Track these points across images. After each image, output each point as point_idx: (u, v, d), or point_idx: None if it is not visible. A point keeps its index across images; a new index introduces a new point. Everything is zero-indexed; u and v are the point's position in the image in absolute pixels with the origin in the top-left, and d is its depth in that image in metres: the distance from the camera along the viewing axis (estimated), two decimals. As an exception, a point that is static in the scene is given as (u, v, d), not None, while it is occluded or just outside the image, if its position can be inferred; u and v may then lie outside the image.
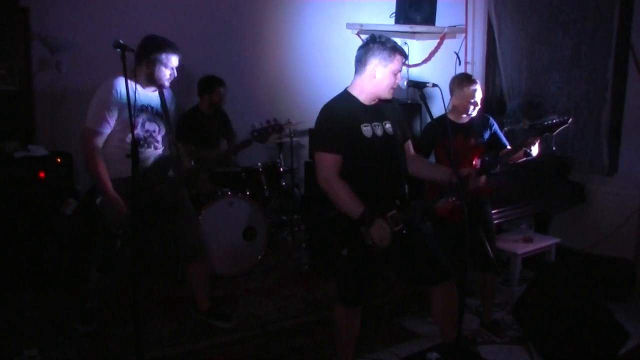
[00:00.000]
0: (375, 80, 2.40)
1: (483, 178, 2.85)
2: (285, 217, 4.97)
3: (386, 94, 2.43)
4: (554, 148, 4.32)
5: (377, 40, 2.40)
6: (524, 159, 3.15)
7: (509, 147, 3.24)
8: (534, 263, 3.92)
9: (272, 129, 3.13)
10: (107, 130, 2.77)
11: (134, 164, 2.37)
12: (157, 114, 2.93)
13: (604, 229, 4.08)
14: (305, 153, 5.32)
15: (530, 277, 3.68)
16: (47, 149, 3.86)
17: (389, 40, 2.41)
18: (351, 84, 2.50)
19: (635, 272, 3.80)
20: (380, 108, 2.50)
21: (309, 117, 5.15)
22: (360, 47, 2.45)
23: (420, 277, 2.57)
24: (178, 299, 3.58)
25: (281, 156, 4.96)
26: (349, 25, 5.29)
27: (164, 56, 2.80)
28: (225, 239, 3.92)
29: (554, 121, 2.96)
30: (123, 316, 3.23)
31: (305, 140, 5.09)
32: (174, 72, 2.87)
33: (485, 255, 3.12)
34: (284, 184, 4.74)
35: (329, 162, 2.37)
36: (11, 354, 2.76)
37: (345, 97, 2.47)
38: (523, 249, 3.67)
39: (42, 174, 3.68)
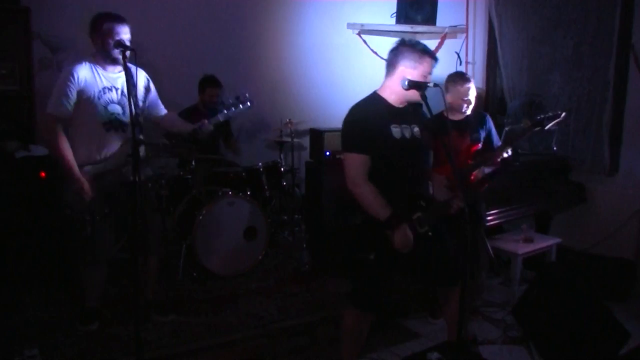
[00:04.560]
0: (401, 84, 2.38)
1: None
2: (285, 217, 4.97)
3: (416, 96, 2.42)
4: (554, 148, 4.32)
5: (407, 43, 2.41)
6: (503, 156, 3.15)
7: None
8: (534, 263, 3.92)
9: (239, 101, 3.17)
10: (67, 114, 2.81)
11: (134, 164, 2.40)
12: (124, 95, 2.92)
13: (605, 229, 4.08)
14: (306, 153, 5.32)
15: (530, 277, 3.68)
16: (48, 148, 3.86)
17: (418, 43, 2.42)
18: (381, 86, 2.50)
19: (635, 272, 3.80)
20: (408, 111, 2.49)
21: (310, 117, 5.20)
22: (391, 50, 2.46)
23: (442, 277, 2.57)
24: (179, 298, 3.58)
25: (282, 156, 4.96)
26: (350, 25, 5.29)
27: (107, 26, 2.79)
28: (225, 238, 3.92)
29: (547, 115, 2.97)
30: (123, 316, 3.23)
31: (306, 140, 5.09)
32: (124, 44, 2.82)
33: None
34: (284, 183, 4.74)
35: (357, 163, 2.37)
36: (11, 353, 2.76)
37: (375, 99, 2.48)
38: (524, 249, 3.67)
39: (43, 174, 3.68)
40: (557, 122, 3.00)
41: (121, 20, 2.84)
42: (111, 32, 2.79)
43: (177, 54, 4.71)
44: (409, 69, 2.39)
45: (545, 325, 3.00)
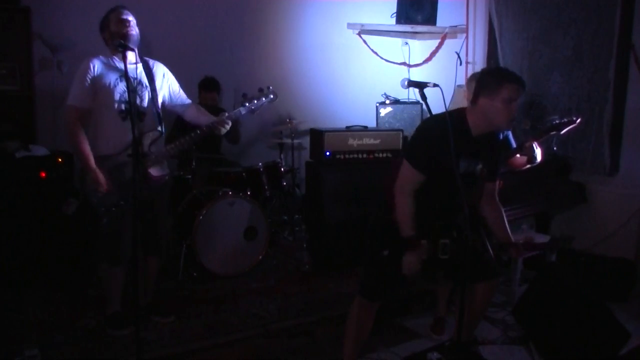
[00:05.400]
0: (486, 114, 2.32)
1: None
2: (286, 217, 4.97)
3: (503, 125, 2.36)
4: (555, 148, 4.31)
5: (486, 70, 2.41)
6: (528, 165, 3.14)
7: None
8: (535, 263, 3.92)
9: (261, 95, 3.09)
10: (86, 105, 2.84)
11: (134, 162, 2.41)
12: (140, 85, 2.93)
13: (605, 229, 4.08)
14: (306, 153, 5.32)
15: (531, 277, 3.68)
16: (48, 148, 3.86)
17: (497, 69, 2.36)
18: (472, 108, 2.39)
19: (635, 272, 3.80)
20: (483, 144, 2.42)
21: (310, 117, 5.21)
22: (476, 80, 2.42)
23: (473, 273, 2.48)
24: (179, 298, 3.58)
25: (282, 156, 4.96)
26: (350, 25, 5.29)
27: (113, 15, 2.88)
28: (226, 238, 3.92)
29: (562, 120, 2.95)
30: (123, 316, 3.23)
31: (306, 140, 5.10)
32: (131, 25, 2.88)
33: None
34: (284, 184, 4.74)
35: (411, 176, 2.38)
36: (11, 353, 2.75)
37: (459, 120, 2.36)
38: (524, 249, 3.66)
39: (43, 174, 3.68)
40: (572, 128, 2.98)
41: (122, 6, 2.92)
42: (116, 16, 2.86)
43: (177, 54, 4.71)
44: (487, 99, 2.28)
45: (545, 325, 3.00)
